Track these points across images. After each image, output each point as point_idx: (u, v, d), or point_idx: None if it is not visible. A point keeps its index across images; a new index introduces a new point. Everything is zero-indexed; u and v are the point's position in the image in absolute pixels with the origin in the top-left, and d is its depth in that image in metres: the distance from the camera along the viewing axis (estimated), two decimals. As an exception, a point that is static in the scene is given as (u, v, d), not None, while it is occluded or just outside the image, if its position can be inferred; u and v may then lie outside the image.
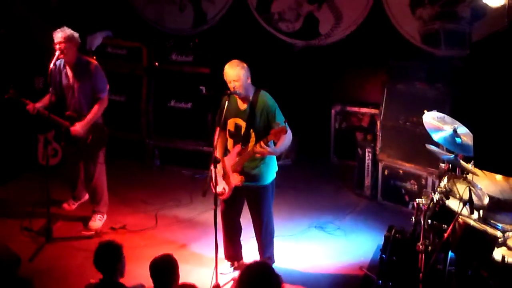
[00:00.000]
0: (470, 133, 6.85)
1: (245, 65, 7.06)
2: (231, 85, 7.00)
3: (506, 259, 6.26)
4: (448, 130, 6.98)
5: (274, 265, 7.61)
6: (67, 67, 8.27)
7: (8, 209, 8.95)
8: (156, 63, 10.31)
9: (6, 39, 9.83)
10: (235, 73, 6.97)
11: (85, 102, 8.33)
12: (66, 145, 8.62)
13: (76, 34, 8.15)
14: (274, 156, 7.28)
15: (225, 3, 10.72)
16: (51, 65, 8.02)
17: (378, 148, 9.37)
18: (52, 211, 8.33)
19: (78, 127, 8.22)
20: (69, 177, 8.97)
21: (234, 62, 7.06)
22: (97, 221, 8.67)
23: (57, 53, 7.96)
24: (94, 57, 9.85)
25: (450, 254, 6.75)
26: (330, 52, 10.36)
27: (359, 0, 10.03)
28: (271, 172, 7.26)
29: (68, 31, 8.09)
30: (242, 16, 10.64)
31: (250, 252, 7.75)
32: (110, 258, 5.79)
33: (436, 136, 7.01)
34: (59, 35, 8.03)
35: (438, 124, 7.09)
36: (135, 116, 10.38)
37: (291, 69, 10.49)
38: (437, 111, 7.31)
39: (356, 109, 10.25)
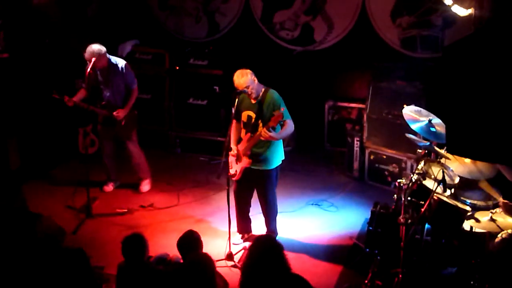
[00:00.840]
0: (443, 123, 6.85)
1: (248, 71, 7.05)
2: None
3: (473, 229, 6.27)
4: (424, 121, 6.97)
5: (277, 237, 7.65)
6: (100, 70, 8.37)
7: (54, 191, 8.98)
8: (177, 67, 10.28)
9: (51, 48, 9.83)
10: (243, 81, 6.98)
11: (118, 95, 8.50)
12: (103, 128, 8.71)
13: (102, 48, 8.23)
14: (281, 146, 7.32)
15: (234, 15, 10.68)
16: (89, 69, 8.04)
17: (364, 137, 9.34)
18: (91, 192, 8.36)
19: (120, 113, 8.42)
20: (105, 165, 9.00)
21: (239, 73, 7.04)
22: (145, 186, 8.98)
23: (91, 65, 8.03)
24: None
25: (427, 226, 6.77)
26: (323, 56, 10.33)
27: (348, 11, 9.99)
28: (276, 159, 7.27)
29: (93, 48, 8.16)
30: (249, 26, 10.60)
31: (258, 225, 7.77)
32: (137, 250, 5.75)
33: (414, 126, 7.00)
34: (87, 55, 8.13)
35: (415, 116, 7.07)
36: (160, 111, 10.36)
37: (290, 70, 10.45)
38: (415, 105, 7.30)
39: (346, 104, 10.20)
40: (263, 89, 7.13)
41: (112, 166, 9.00)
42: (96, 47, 8.18)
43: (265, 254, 4.77)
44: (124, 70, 8.47)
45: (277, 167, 7.33)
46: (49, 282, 5.55)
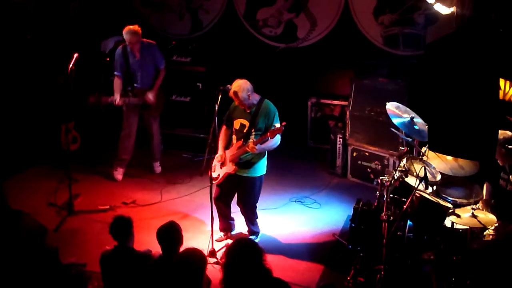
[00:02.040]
0: (423, 122, 6.89)
1: (245, 87, 7.04)
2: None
3: (455, 226, 6.31)
4: (406, 117, 7.00)
5: (260, 234, 7.66)
6: (134, 50, 8.79)
7: (36, 188, 8.92)
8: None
9: (32, 44, 9.76)
10: (238, 94, 7.00)
11: (151, 74, 8.97)
12: (132, 109, 8.97)
13: (139, 30, 8.74)
14: (265, 157, 7.32)
15: (217, 12, 10.65)
16: (70, 66, 7.99)
17: (347, 134, 9.36)
18: (73, 189, 8.30)
19: (150, 96, 8.89)
20: (124, 148, 9.13)
21: (236, 83, 7.05)
22: (158, 167, 9.54)
23: (73, 61, 8.05)
24: (108, 59, 9.83)
25: (409, 222, 6.79)
26: (307, 53, 10.33)
27: (331, 9, 9.99)
28: (261, 167, 7.30)
29: (134, 29, 8.67)
30: (232, 23, 10.58)
31: (241, 223, 7.75)
32: (123, 228, 5.79)
33: (396, 121, 7.03)
34: (135, 38, 8.68)
35: (398, 112, 7.10)
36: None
37: (273, 67, 10.44)
38: (397, 103, 7.32)
39: (328, 101, 10.21)
40: (258, 99, 7.15)
41: (132, 148, 9.15)
42: (135, 28, 8.68)
43: (241, 256, 4.74)
44: (155, 50, 8.96)
45: (261, 176, 7.34)
46: (26, 279, 5.54)
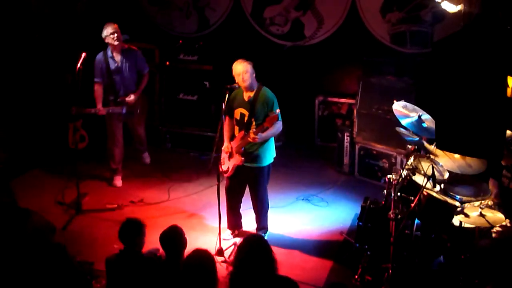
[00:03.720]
0: (432, 118, 6.87)
1: (249, 62, 7.12)
2: (239, 78, 7.07)
3: (463, 225, 6.30)
4: (414, 116, 6.99)
5: (268, 232, 7.66)
6: (114, 54, 8.65)
7: (44, 186, 8.95)
8: (167, 62, 10.27)
9: (40, 42, 9.79)
10: (243, 66, 7.05)
11: (133, 81, 8.82)
12: (117, 118, 8.85)
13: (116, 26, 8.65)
14: (273, 143, 7.33)
15: (224, 10, 10.66)
16: (78, 65, 8.01)
17: (355, 132, 9.35)
18: (81, 187, 8.33)
19: (132, 97, 8.72)
20: (114, 156, 9.04)
21: (241, 59, 7.13)
22: (147, 157, 9.68)
23: (81, 60, 8.07)
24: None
25: (416, 221, 6.78)
26: (314, 51, 10.32)
27: (338, 7, 9.98)
28: (268, 156, 7.28)
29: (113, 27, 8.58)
30: (239, 21, 10.58)
31: (248, 221, 7.77)
32: (133, 232, 5.76)
33: (404, 122, 7.02)
34: (115, 36, 8.54)
35: (405, 112, 7.09)
36: (150, 107, 10.32)
37: (280, 66, 10.43)
38: (404, 101, 7.31)
39: (336, 99, 10.21)
40: (257, 86, 7.14)
41: (122, 155, 9.06)
42: (112, 26, 8.58)
43: (252, 253, 4.77)
44: (138, 55, 8.84)
45: (269, 164, 7.34)
46: (34, 278, 5.55)
